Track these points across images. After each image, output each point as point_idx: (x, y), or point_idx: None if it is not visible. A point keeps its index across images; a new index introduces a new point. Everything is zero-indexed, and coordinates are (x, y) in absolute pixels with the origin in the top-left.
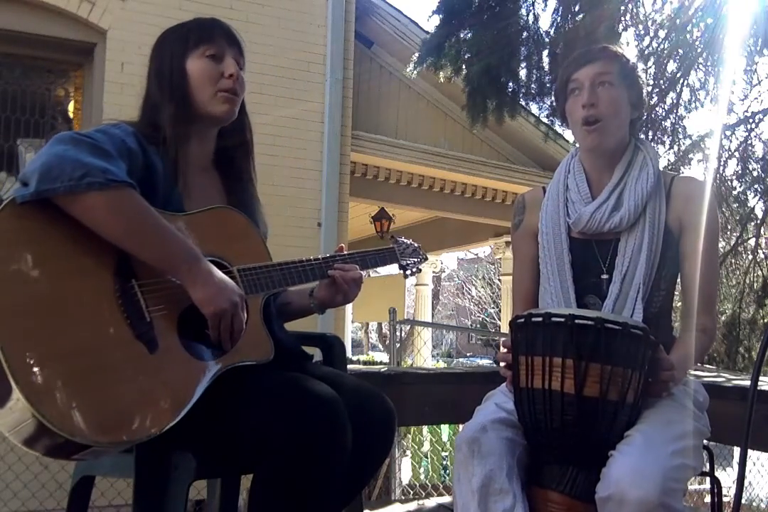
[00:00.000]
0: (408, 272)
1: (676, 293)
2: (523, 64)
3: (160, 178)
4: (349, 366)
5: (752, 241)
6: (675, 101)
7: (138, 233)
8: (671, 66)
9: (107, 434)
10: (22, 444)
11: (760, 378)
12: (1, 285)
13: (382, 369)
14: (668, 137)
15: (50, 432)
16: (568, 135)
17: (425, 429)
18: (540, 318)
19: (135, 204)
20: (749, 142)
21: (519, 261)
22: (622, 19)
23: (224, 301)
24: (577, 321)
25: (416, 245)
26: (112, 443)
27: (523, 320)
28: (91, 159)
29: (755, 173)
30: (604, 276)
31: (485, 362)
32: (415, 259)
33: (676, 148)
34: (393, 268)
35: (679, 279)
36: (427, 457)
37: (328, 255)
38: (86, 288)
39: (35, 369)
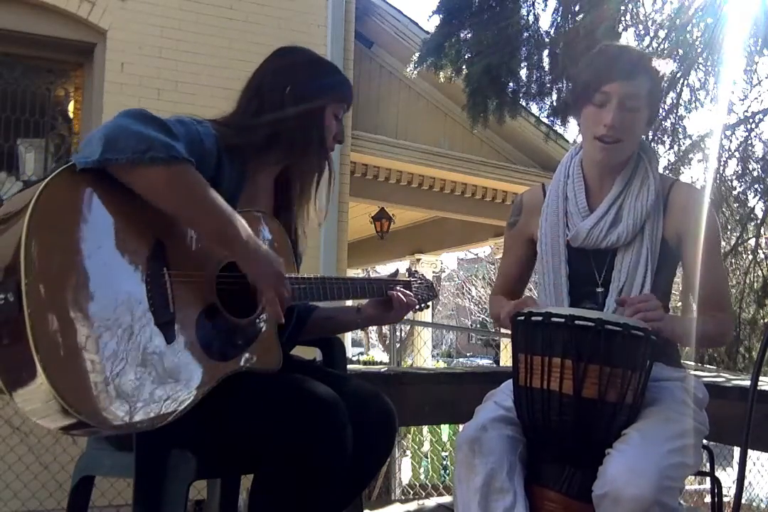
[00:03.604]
0: (417, 307)
1: (675, 293)
2: (524, 64)
3: (224, 187)
4: (349, 366)
5: (752, 241)
6: (675, 101)
7: (194, 208)
8: (671, 66)
9: (113, 417)
10: (38, 421)
11: (760, 378)
12: (43, 254)
13: (382, 369)
14: (668, 137)
15: (60, 408)
16: (569, 135)
17: (425, 429)
18: (540, 318)
19: (193, 180)
20: (749, 142)
21: (508, 256)
22: (622, 19)
23: (275, 275)
24: (577, 322)
25: (431, 282)
26: (115, 427)
27: (522, 318)
28: (156, 133)
29: (755, 173)
30: (599, 290)
31: (485, 362)
32: (427, 296)
33: (676, 148)
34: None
35: (682, 281)
36: (427, 457)
37: (349, 277)
38: (120, 267)
39: (57, 342)
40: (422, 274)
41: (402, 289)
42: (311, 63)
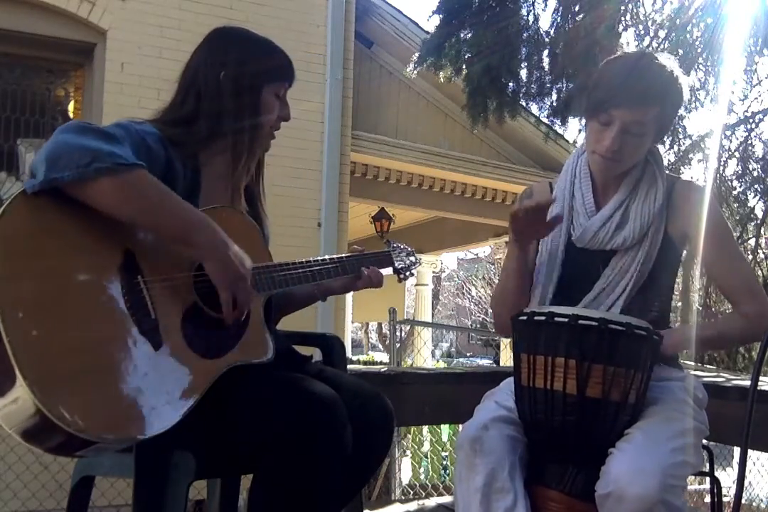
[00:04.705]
0: (402, 276)
1: (675, 293)
2: (524, 64)
3: (179, 182)
4: (349, 366)
5: (752, 241)
6: None
7: (152, 213)
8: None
9: (113, 430)
10: (25, 441)
11: (760, 378)
12: (12, 280)
13: (382, 369)
14: (668, 137)
15: (56, 428)
16: (569, 135)
17: (425, 429)
18: (543, 317)
19: (146, 184)
20: (749, 142)
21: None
22: (622, 19)
23: (234, 276)
24: (580, 321)
25: (410, 249)
26: (118, 440)
27: (525, 318)
28: (97, 143)
29: (755, 173)
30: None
31: (485, 362)
32: (409, 263)
33: (676, 148)
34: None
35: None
36: (427, 457)
37: (327, 257)
38: (94, 283)
39: (43, 363)
40: (398, 243)
41: (375, 269)
42: (242, 44)
